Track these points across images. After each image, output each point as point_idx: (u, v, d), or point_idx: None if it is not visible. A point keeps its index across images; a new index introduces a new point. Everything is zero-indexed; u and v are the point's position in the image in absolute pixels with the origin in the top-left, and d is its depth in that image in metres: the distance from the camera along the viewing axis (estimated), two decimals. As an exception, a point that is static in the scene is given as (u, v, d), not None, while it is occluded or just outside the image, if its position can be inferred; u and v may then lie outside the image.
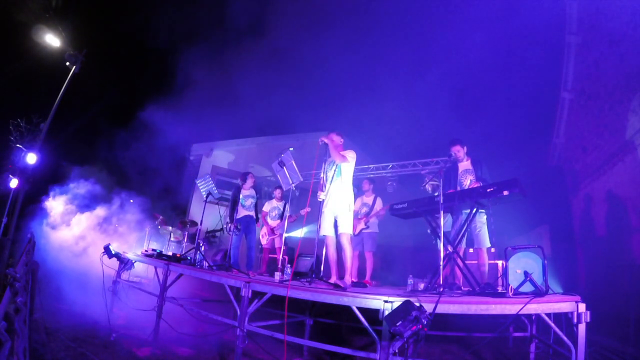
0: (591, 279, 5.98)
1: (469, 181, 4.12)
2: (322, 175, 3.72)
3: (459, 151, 4.24)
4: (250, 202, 5.36)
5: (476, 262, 4.09)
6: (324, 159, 3.71)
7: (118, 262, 4.96)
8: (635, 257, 4.70)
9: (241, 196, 5.43)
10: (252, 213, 5.33)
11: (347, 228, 3.49)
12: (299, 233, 8.62)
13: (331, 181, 3.64)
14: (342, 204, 3.53)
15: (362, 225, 5.46)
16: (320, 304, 3.94)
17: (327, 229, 3.60)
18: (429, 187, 5.00)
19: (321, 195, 3.64)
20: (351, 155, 3.64)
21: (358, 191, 5.65)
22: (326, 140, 3.59)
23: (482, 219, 3.97)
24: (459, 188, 4.11)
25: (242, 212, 5.36)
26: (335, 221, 3.57)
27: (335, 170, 3.64)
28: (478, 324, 3.91)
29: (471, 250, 4.33)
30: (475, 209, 3.70)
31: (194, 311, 3.89)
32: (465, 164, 4.26)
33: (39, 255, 6.00)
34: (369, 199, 5.63)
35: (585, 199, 6.69)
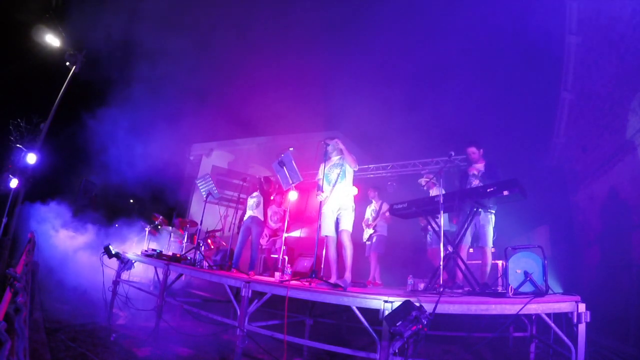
0: (591, 279, 5.97)
1: (477, 182, 4.11)
2: (320, 176, 3.75)
3: (474, 153, 4.22)
4: (252, 202, 5.32)
5: (479, 261, 4.09)
6: (323, 160, 3.74)
7: (118, 262, 4.96)
8: (635, 257, 4.70)
9: (248, 197, 5.45)
10: (256, 213, 5.27)
11: (348, 225, 3.53)
12: (299, 233, 8.64)
13: (334, 183, 3.67)
14: (346, 204, 3.57)
15: (370, 231, 5.60)
16: (320, 304, 3.94)
17: (327, 229, 3.61)
18: (423, 182, 5.05)
19: (321, 196, 3.65)
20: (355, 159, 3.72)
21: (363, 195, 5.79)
22: (341, 145, 3.67)
23: (488, 217, 3.94)
24: None
25: (247, 213, 5.35)
26: (337, 220, 3.60)
27: (339, 173, 3.68)
28: (478, 324, 3.91)
29: (471, 250, 4.34)
30: (475, 209, 3.71)
31: (194, 311, 3.88)
32: (478, 166, 4.22)
33: (39, 255, 6.00)
34: (377, 204, 5.76)
35: (585, 199, 6.68)
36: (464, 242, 3.93)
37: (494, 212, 3.92)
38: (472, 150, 4.23)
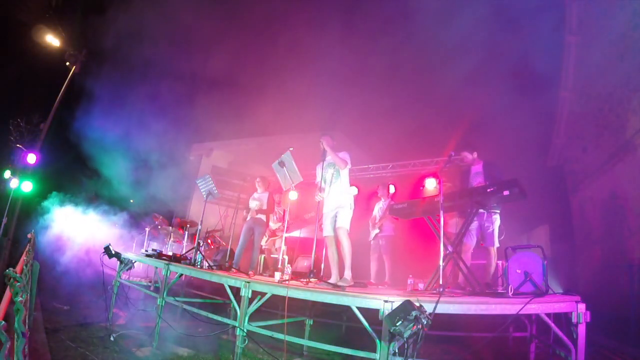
0: (591, 279, 5.97)
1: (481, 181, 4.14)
2: (318, 177, 3.75)
3: (467, 156, 4.28)
4: (254, 204, 5.32)
5: (485, 261, 4.09)
6: (321, 160, 3.72)
7: (118, 262, 4.96)
8: (635, 257, 4.70)
9: (250, 199, 5.44)
10: (258, 214, 5.27)
11: (344, 223, 3.51)
12: (299, 233, 8.63)
13: (330, 183, 3.67)
14: (343, 203, 3.56)
15: (377, 230, 5.55)
16: (320, 304, 3.94)
17: (327, 229, 3.62)
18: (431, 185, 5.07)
19: (319, 196, 3.65)
20: (348, 158, 3.68)
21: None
22: (324, 145, 3.64)
23: (493, 217, 3.96)
24: None
25: (249, 214, 5.34)
26: (335, 218, 3.58)
27: (333, 173, 3.68)
28: (478, 324, 3.91)
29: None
30: (475, 209, 3.71)
31: (194, 311, 3.89)
32: (476, 167, 4.28)
33: (39, 255, 6.00)
34: (385, 202, 5.69)
35: (585, 199, 6.68)
36: (469, 243, 3.95)
37: (498, 211, 3.95)
38: (465, 154, 4.30)
